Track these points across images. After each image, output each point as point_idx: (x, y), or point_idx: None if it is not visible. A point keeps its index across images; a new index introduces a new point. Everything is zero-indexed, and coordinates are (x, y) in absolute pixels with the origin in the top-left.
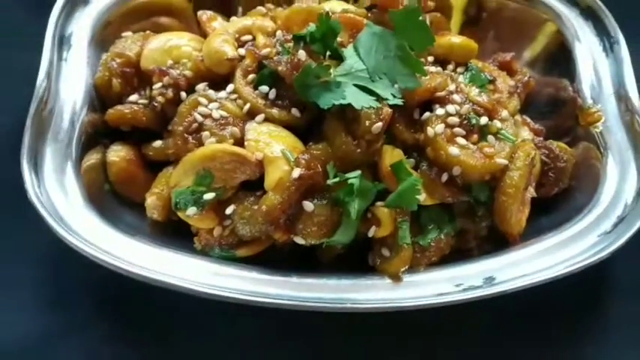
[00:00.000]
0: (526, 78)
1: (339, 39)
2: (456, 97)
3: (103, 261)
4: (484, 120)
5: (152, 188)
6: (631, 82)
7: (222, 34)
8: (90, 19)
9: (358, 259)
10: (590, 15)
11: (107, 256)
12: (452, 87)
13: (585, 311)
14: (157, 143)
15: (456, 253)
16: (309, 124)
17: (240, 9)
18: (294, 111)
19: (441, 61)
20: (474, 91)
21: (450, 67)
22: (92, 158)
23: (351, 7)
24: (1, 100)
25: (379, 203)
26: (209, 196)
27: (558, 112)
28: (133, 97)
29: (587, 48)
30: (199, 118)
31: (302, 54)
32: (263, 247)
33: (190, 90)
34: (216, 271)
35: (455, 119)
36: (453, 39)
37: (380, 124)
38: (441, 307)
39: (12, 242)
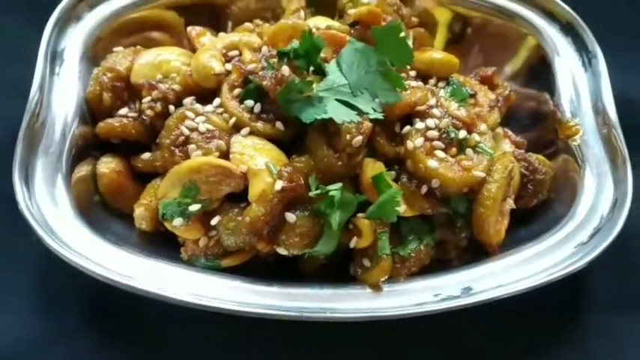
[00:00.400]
0: (507, 92)
1: (322, 55)
2: (435, 111)
3: (90, 271)
4: (463, 134)
5: (140, 199)
6: (608, 96)
7: (210, 50)
8: (82, 34)
9: (341, 269)
10: (569, 30)
11: (95, 266)
12: (432, 101)
13: (564, 320)
14: (146, 155)
15: (437, 263)
16: (293, 138)
17: (230, 24)
18: (279, 125)
19: (423, 76)
20: (453, 106)
21: (432, 81)
22: (83, 170)
23: (335, 23)
24: None
25: (360, 215)
26: (195, 207)
27: (540, 125)
28: (123, 111)
29: (566, 62)
30: (186, 132)
31: (285, 69)
32: (247, 257)
33: (179, 104)
34: (200, 280)
35: (434, 133)
36: (435, 54)
37: (360, 137)
38: (421, 316)
39: (4, 251)
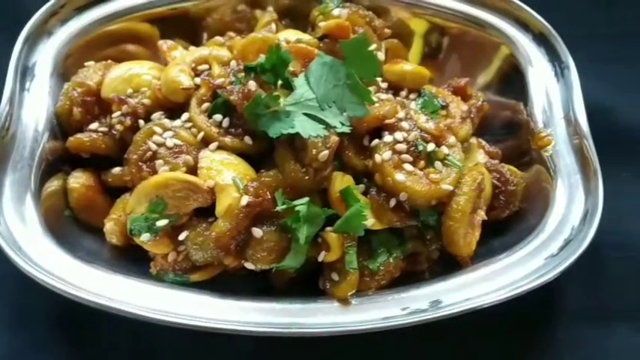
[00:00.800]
0: (480, 102)
1: (291, 68)
2: (404, 124)
3: (57, 288)
4: (431, 146)
5: (110, 214)
6: (580, 106)
7: (179, 64)
8: (53, 49)
9: (312, 282)
10: (542, 41)
11: (62, 284)
12: (401, 114)
13: (536, 331)
14: (116, 170)
15: (408, 276)
16: (262, 152)
17: (205, 36)
18: (247, 139)
19: (395, 88)
20: (422, 118)
21: (403, 93)
22: (53, 185)
23: (304, 36)
24: None
25: (329, 229)
26: (162, 223)
27: (515, 135)
28: (94, 125)
29: (539, 73)
30: (153, 147)
31: (252, 84)
32: (216, 272)
33: (149, 118)
34: (167, 296)
35: (402, 146)
36: (405, 66)
37: (326, 152)
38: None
39: None
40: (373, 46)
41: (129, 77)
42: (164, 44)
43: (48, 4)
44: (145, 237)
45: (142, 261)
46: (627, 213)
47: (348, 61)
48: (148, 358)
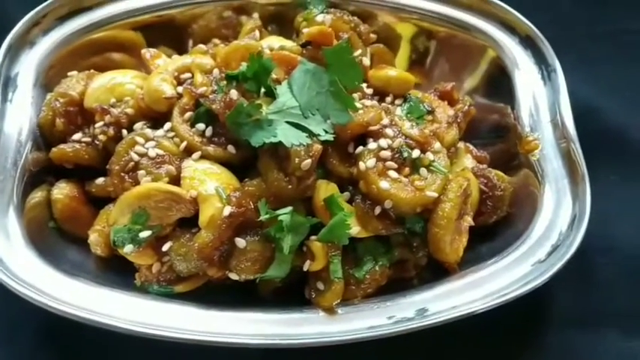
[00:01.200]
0: (466, 107)
1: (275, 76)
2: (388, 130)
3: (38, 302)
4: (416, 153)
5: (94, 225)
6: (567, 110)
7: (162, 73)
8: (35, 60)
9: (298, 292)
10: (528, 44)
11: (44, 297)
12: (386, 121)
13: (525, 337)
14: (100, 180)
15: (396, 283)
16: (246, 161)
17: (190, 42)
18: (230, 148)
19: (380, 94)
20: (406, 125)
21: (389, 99)
22: (37, 196)
23: (288, 43)
24: None
25: (313, 237)
26: (145, 234)
27: (502, 139)
28: (77, 136)
29: (526, 76)
30: (135, 157)
31: (234, 93)
32: (201, 282)
33: (132, 128)
34: (153, 308)
35: (387, 153)
36: (390, 72)
37: (309, 161)
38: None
39: None
40: (358, 52)
41: (112, 87)
42: (147, 53)
43: (30, 14)
44: (128, 248)
45: (127, 272)
46: (615, 216)
47: (331, 68)
48: None
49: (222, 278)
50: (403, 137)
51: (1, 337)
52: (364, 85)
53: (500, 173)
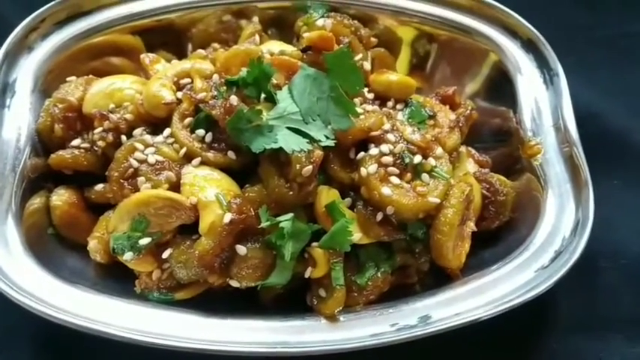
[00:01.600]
0: (468, 111)
1: (275, 81)
2: (390, 136)
3: (36, 310)
4: (418, 158)
5: (93, 232)
6: (569, 114)
7: (161, 79)
8: (33, 65)
9: (300, 299)
10: (530, 47)
11: (42, 306)
12: (387, 126)
13: (530, 344)
14: (99, 187)
15: (398, 289)
16: (247, 167)
17: (190, 47)
18: (230, 154)
19: (382, 98)
20: (408, 130)
21: (390, 103)
22: (35, 203)
23: (288, 48)
24: None
25: (315, 244)
26: (145, 241)
27: (505, 143)
28: (76, 142)
29: (528, 80)
30: (135, 164)
31: (234, 99)
32: (201, 289)
33: (132, 133)
34: (151, 316)
35: (388, 158)
36: (391, 77)
37: (310, 167)
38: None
39: None
40: (359, 56)
41: (110, 92)
42: (146, 58)
43: (28, 19)
44: (128, 256)
45: (127, 279)
46: (619, 221)
47: (331, 73)
48: None
49: (223, 285)
50: (405, 142)
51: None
52: (365, 89)
53: (503, 178)
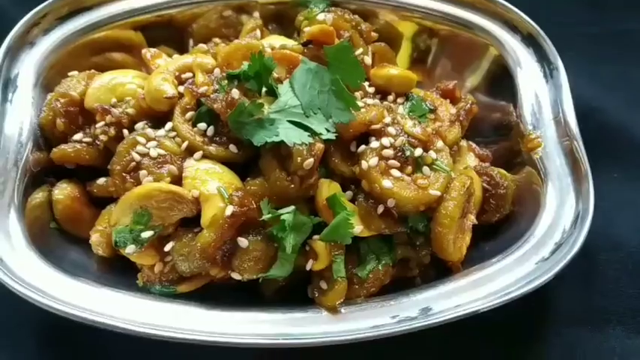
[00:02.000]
0: (469, 105)
1: (276, 75)
2: (391, 129)
3: (40, 302)
4: (418, 151)
5: (96, 225)
6: (569, 108)
7: (163, 73)
8: (36, 60)
9: (302, 291)
10: (531, 42)
11: (46, 298)
12: (388, 119)
13: (531, 335)
14: (101, 181)
15: (399, 281)
16: (249, 160)
17: (191, 42)
18: (232, 147)
19: (383, 92)
20: (409, 123)
21: (391, 97)
22: (38, 197)
23: (289, 42)
24: None
25: (316, 237)
26: (147, 234)
27: (505, 137)
28: (78, 136)
29: (528, 74)
30: (137, 157)
31: (235, 92)
32: (203, 282)
33: (133, 127)
34: (154, 308)
35: (389, 152)
36: (392, 71)
37: (311, 160)
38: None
39: None
40: (359, 51)
41: (112, 87)
42: (148, 52)
43: (29, 15)
44: (130, 249)
45: (130, 272)
46: (618, 214)
47: (332, 67)
48: None
49: (225, 278)
50: (405, 136)
51: (3, 338)
52: (366, 83)
53: (503, 171)
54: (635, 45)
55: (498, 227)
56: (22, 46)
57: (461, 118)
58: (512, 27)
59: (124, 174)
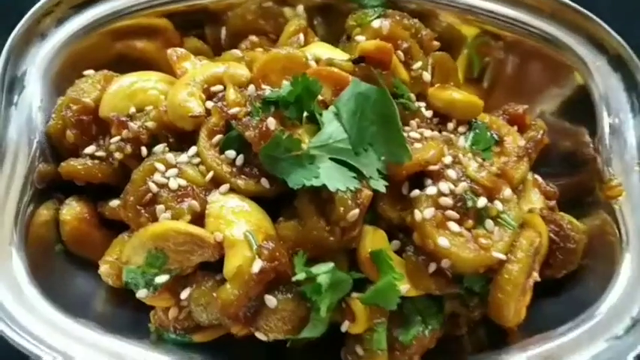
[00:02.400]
0: (539, 135)
1: (320, 97)
2: (451, 172)
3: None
4: (482, 202)
5: (105, 255)
6: None
7: (189, 85)
8: (46, 55)
9: (333, 348)
10: (619, 65)
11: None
12: (448, 159)
13: None
14: (114, 203)
15: (444, 342)
16: (281, 195)
17: (223, 31)
18: (264, 181)
19: (442, 116)
20: (472, 166)
21: (451, 125)
22: (43, 214)
23: (337, 55)
24: None
25: (355, 294)
26: (161, 279)
27: (577, 171)
28: (90, 149)
29: (612, 103)
30: (154, 188)
31: (271, 122)
32: (222, 332)
33: (152, 144)
34: None
35: (448, 200)
36: (454, 94)
37: (357, 210)
38: None
39: None
40: (418, 64)
41: (132, 92)
42: (174, 53)
43: (41, 2)
44: (142, 293)
45: (141, 310)
46: None
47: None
48: None
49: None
50: (468, 181)
51: None
52: (423, 106)
53: (575, 221)
54: None
55: (563, 285)
56: (32, 38)
57: (530, 152)
58: (598, 45)
59: (138, 207)
